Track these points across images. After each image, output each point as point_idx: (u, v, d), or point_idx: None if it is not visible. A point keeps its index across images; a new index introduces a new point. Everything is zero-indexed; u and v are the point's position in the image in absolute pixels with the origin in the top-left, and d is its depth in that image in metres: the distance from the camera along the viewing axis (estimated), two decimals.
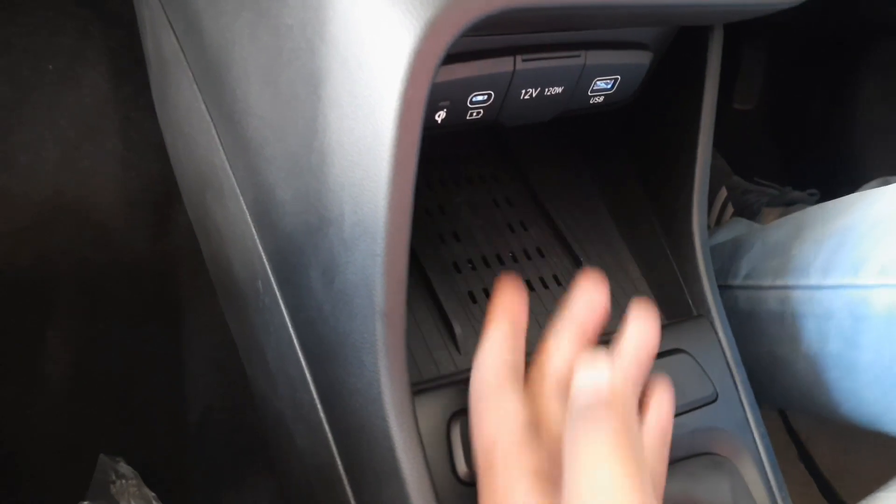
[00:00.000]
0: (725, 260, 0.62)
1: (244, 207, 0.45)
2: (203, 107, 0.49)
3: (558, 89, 0.43)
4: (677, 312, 0.48)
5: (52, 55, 0.82)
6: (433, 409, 0.36)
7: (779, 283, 0.54)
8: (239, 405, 0.74)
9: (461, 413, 0.37)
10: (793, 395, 0.57)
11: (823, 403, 0.53)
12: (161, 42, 0.58)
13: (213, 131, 0.48)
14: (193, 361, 0.76)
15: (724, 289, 0.60)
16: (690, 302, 0.47)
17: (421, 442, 0.32)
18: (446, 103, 0.39)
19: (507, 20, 0.31)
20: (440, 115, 0.40)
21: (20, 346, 0.69)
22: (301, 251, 0.36)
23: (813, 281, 0.51)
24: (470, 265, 0.48)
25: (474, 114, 0.41)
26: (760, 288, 0.56)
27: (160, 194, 0.81)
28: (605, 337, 0.45)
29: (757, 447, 0.42)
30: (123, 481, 0.62)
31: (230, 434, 0.73)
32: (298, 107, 0.33)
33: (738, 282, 0.59)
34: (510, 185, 0.54)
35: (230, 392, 0.74)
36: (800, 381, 0.54)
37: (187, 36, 0.50)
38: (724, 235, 0.69)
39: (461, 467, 0.34)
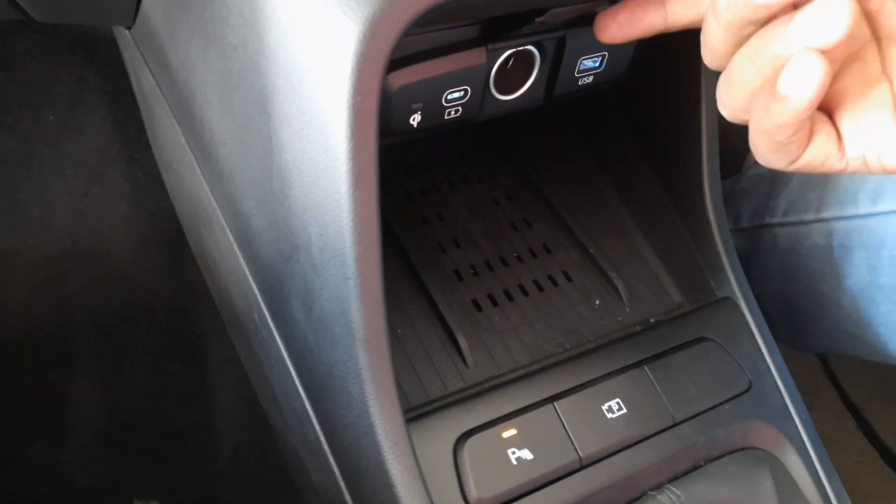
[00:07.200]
0: (761, 198, 0.58)
1: (231, 239, 0.43)
2: (183, 140, 0.48)
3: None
4: (700, 296, 0.44)
5: (52, 106, 0.82)
6: (439, 432, 0.34)
7: (824, 215, 0.51)
8: (268, 438, 0.73)
9: (470, 433, 0.34)
10: (835, 336, 0.54)
11: (872, 341, 0.50)
12: (141, 80, 0.57)
13: (195, 164, 0.46)
14: (219, 396, 0.75)
15: (761, 228, 0.58)
16: (712, 283, 0.44)
17: (420, 473, 0.30)
18: (419, 105, 0.37)
19: (459, 9, 0.29)
20: (415, 119, 0.38)
21: (45, 400, 0.69)
22: (280, 280, 0.34)
23: (862, 209, 0.48)
24: (472, 271, 0.45)
25: (452, 112, 0.39)
26: (802, 223, 0.54)
27: (172, 231, 0.81)
28: (622, 332, 0.43)
29: (800, 435, 0.38)
30: None
31: (261, 468, 0.72)
32: (253, 129, 0.32)
33: (776, 219, 0.56)
34: (510, 182, 0.52)
35: (258, 425, 0.73)
36: (845, 319, 0.51)
37: (160, 71, 0.49)
38: (756, 170, 0.65)
39: (472, 494, 0.32)
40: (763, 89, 0.26)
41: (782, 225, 0.56)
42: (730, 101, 0.28)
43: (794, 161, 0.28)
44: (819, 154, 0.28)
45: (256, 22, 0.28)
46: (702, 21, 0.29)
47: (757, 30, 0.26)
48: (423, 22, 0.28)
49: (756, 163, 0.83)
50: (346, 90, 0.26)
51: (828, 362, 0.89)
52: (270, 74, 0.29)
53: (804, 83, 0.24)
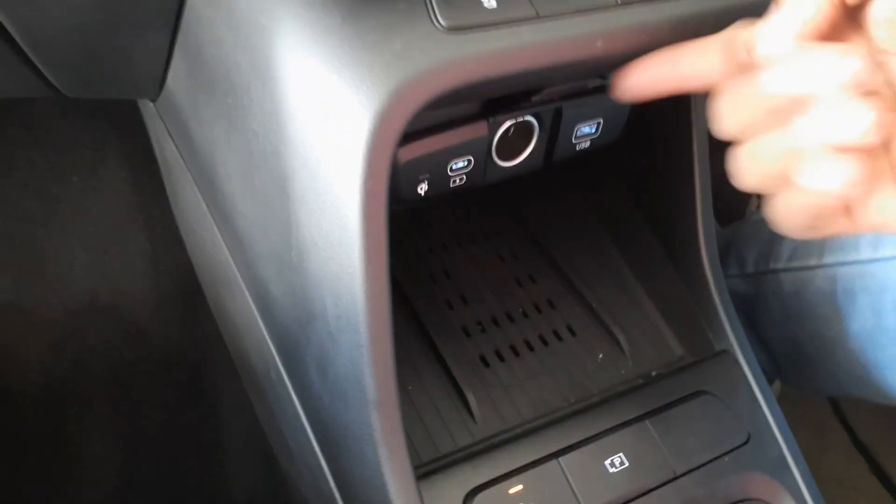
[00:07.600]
0: (765, 243, 0.60)
1: (250, 302, 0.45)
2: (204, 206, 0.51)
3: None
4: (699, 349, 0.46)
5: (75, 167, 0.86)
6: (449, 489, 0.35)
7: (827, 260, 0.53)
8: (282, 491, 0.74)
9: (479, 489, 0.36)
10: (842, 379, 0.55)
11: (878, 384, 0.51)
12: (164, 148, 0.61)
13: (216, 229, 0.49)
14: (234, 446, 0.76)
15: (766, 273, 0.59)
16: (711, 336, 0.45)
17: None
18: (426, 176, 0.39)
19: (461, 95, 0.31)
20: (422, 188, 0.40)
21: (62, 453, 0.71)
22: (297, 344, 0.36)
23: (864, 255, 0.50)
24: (479, 327, 0.47)
25: (457, 181, 0.41)
26: (806, 268, 0.55)
27: (189, 285, 0.83)
28: (625, 386, 0.44)
29: (799, 486, 0.40)
30: None
31: None
32: (274, 206, 0.34)
33: (781, 264, 0.58)
34: (514, 239, 0.54)
35: (273, 475, 0.74)
36: (851, 362, 0.53)
37: (182, 142, 0.52)
38: (760, 216, 0.67)
39: None
40: (783, 173, 0.27)
41: (787, 270, 0.58)
42: (750, 176, 0.29)
43: (822, 233, 0.29)
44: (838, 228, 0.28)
45: (277, 112, 0.31)
46: (712, 85, 0.29)
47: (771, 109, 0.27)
48: (429, 107, 0.30)
49: (759, 207, 0.85)
50: (359, 175, 0.29)
51: (838, 403, 0.90)
52: (289, 159, 0.31)
53: (828, 179, 0.25)
